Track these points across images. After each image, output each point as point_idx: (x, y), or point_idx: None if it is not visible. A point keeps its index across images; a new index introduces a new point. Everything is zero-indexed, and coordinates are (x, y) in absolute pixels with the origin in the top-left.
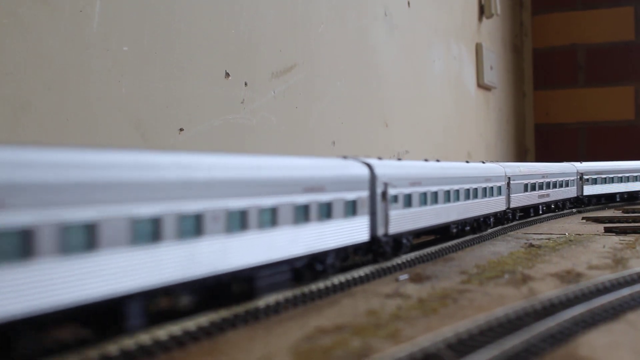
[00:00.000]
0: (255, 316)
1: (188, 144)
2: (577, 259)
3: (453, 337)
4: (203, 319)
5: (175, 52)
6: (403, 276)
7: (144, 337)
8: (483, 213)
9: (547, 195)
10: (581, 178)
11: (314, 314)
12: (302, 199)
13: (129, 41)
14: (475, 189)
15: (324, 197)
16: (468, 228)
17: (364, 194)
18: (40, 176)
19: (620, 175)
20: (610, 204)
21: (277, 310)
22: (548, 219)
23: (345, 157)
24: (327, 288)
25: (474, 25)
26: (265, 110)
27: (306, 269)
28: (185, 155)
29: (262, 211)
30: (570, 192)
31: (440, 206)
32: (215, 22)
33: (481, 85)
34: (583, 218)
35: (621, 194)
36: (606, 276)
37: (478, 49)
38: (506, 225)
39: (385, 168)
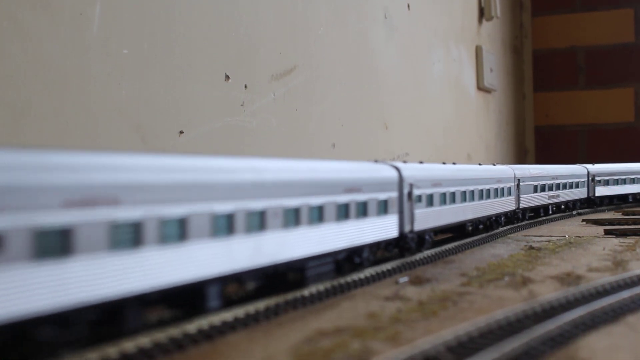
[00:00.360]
0: (255, 319)
1: (188, 147)
2: (577, 262)
3: (453, 340)
4: (203, 322)
5: (175, 55)
6: (403, 279)
7: (144, 340)
8: (495, 212)
9: (557, 196)
10: (593, 179)
11: (313, 316)
12: (343, 198)
13: (129, 44)
14: (488, 190)
15: (361, 197)
16: (481, 227)
17: (394, 194)
18: (146, 178)
19: (632, 176)
20: (623, 205)
21: (277, 313)
22: (548, 220)
23: (376, 161)
24: (327, 290)
25: (474, 28)
26: (265, 113)
27: (346, 261)
28: (256, 160)
29: (311, 209)
30: (581, 193)
31: (457, 205)
32: (215, 25)
33: (481, 87)
34: (583, 220)
35: (634, 194)
36: (606, 278)
37: (478, 51)
38: (515, 225)
39: (411, 170)
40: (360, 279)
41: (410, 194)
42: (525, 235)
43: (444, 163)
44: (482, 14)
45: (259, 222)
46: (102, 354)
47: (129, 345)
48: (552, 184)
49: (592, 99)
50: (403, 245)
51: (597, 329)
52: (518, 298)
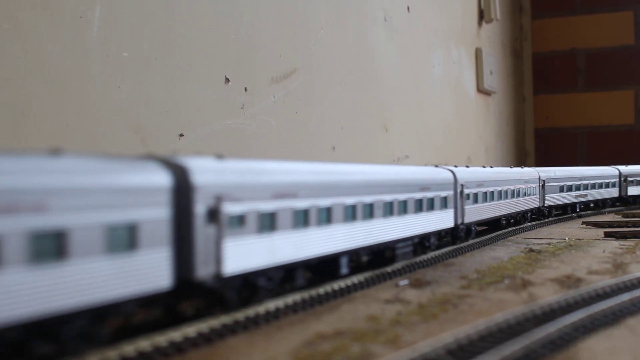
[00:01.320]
0: (254, 322)
1: (188, 149)
2: (577, 264)
3: (453, 343)
4: (203, 325)
5: (175, 57)
6: (403, 281)
7: (144, 344)
8: (523, 209)
9: (585, 195)
10: (625, 180)
11: (313, 319)
12: (419, 195)
13: (129, 46)
14: (518, 190)
15: (430, 195)
16: (512, 220)
17: (451, 192)
18: (314, 179)
19: None
20: None
21: (276, 316)
22: (548, 223)
23: (436, 166)
24: (327, 293)
25: (474, 30)
26: (265, 115)
27: (419, 245)
28: (362, 165)
29: (399, 203)
30: (612, 192)
31: (495, 203)
32: (215, 27)
33: (481, 90)
34: (583, 223)
35: None
36: (606, 281)
37: (478, 53)
38: (543, 221)
39: (462, 173)
40: (360, 282)
41: (462, 192)
42: (525, 238)
43: (483, 167)
44: (482, 16)
45: (369, 212)
46: (102, 357)
47: (129, 348)
48: (580, 184)
49: (592, 101)
50: (456, 235)
51: (597, 332)
52: (518, 301)
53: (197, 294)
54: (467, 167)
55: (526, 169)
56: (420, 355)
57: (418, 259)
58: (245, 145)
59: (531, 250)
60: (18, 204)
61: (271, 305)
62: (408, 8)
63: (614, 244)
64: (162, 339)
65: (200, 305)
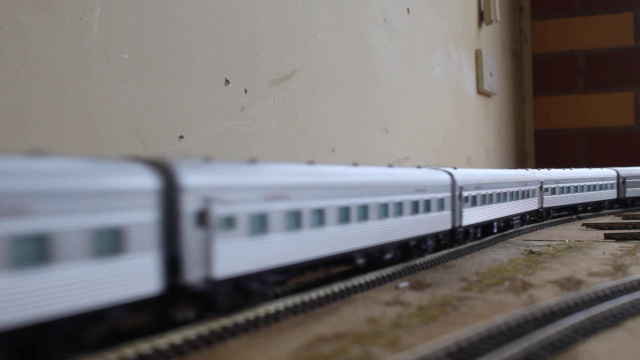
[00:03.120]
0: (255, 324)
1: (188, 151)
2: (577, 266)
3: (453, 345)
4: (203, 327)
5: (175, 59)
6: (403, 283)
7: (144, 346)
8: (522, 211)
9: (584, 197)
10: (624, 182)
11: (313, 321)
12: (415, 197)
13: (129, 48)
14: (517, 191)
15: (426, 196)
16: (511, 223)
17: (448, 194)
18: (353, 180)
19: None
20: None
21: (277, 318)
22: (548, 225)
23: (435, 168)
24: (327, 296)
25: (474, 31)
26: (265, 117)
27: (415, 247)
28: (357, 167)
29: (394, 204)
30: (611, 194)
31: (494, 205)
32: (215, 29)
33: (481, 91)
34: (583, 224)
35: None
36: (606, 283)
37: (478, 55)
38: (543, 223)
39: (460, 175)
40: (360, 284)
41: (460, 195)
42: (525, 240)
43: (483, 169)
44: (482, 17)
45: (363, 214)
46: (103, 359)
47: (129, 351)
48: (578, 186)
49: (592, 102)
50: (453, 237)
51: (597, 334)
52: (518, 303)
53: (187, 298)
54: (467, 169)
55: (525, 171)
56: (421, 357)
57: (418, 261)
58: (245, 147)
59: (531, 252)
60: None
61: (271, 307)
62: (408, 10)
63: (614, 246)
64: (162, 341)
65: (191, 310)
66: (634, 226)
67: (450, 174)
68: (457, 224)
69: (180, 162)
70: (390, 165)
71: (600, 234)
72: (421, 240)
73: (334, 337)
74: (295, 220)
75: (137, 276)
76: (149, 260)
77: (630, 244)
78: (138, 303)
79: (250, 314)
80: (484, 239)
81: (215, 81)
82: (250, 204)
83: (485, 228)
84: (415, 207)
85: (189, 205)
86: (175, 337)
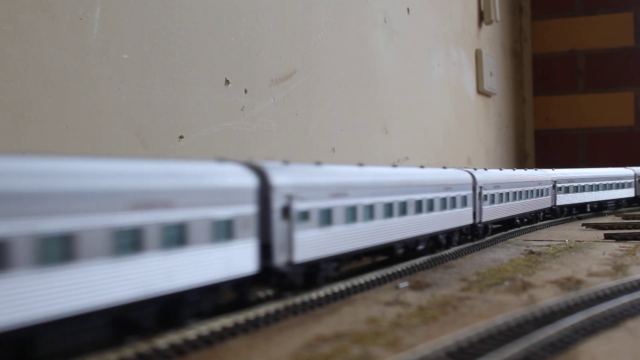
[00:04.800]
0: (255, 324)
1: (188, 151)
2: (577, 266)
3: (453, 345)
4: (203, 328)
5: (175, 59)
6: (403, 283)
7: (144, 346)
8: (536, 209)
9: (598, 195)
10: (553, 187)
11: (313, 322)
12: (443, 194)
13: (129, 48)
14: (532, 190)
15: (453, 194)
16: (526, 220)
17: (470, 192)
18: (334, 180)
19: None
20: None
21: (277, 319)
22: (548, 225)
23: (475, 170)
24: (327, 296)
25: (474, 31)
26: (265, 117)
27: (446, 239)
28: (395, 168)
29: (427, 201)
30: (629, 192)
31: (511, 203)
32: (215, 29)
33: (481, 91)
34: (583, 224)
35: None
36: (606, 283)
37: (478, 55)
38: (542, 223)
39: (480, 175)
40: (360, 284)
41: (480, 193)
42: (525, 240)
43: (500, 169)
44: (482, 17)
45: (429, 206)
46: (103, 359)
47: (129, 351)
48: (592, 185)
49: (592, 102)
50: (474, 232)
51: (597, 334)
52: (518, 303)
53: (273, 278)
54: (485, 169)
55: (539, 171)
56: (421, 357)
57: (418, 260)
58: (245, 147)
59: (531, 252)
60: (153, 202)
61: (271, 307)
62: (408, 10)
63: (614, 246)
64: (161, 341)
65: (272, 289)
66: (634, 226)
67: (472, 174)
68: (477, 220)
69: (269, 164)
70: (422, 166)
71: (600, 234)
72: (449, 233)
73: (334, 337)
74: (352, 214)
75: (243, 258)
76: (250, 245)
77: (630, 244)
78: (240, 280)
79: (250, 313)
80: (484, 239)
81: (215, 81)
82: (319, 201)
83: (506, 223)
84: (444, 204)
85: (277, 202)
86: (175, 337)
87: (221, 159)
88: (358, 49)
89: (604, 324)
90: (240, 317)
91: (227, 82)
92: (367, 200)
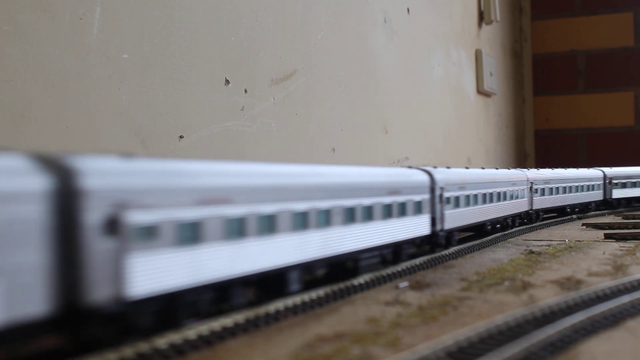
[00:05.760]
0: (255, 324)
1: (188, 151)
2: (577, 266)
3: (453, 345)
4: (203, 327)
5: (175, 59)
6: (403, 283)
7: (144, 346)
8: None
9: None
10: (610, 182)
11: (313, 321)
12: (387, 200)
13: (129, 48)
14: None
15: (401, 199)
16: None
17: (427, 196)
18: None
19: None
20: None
21: (277, 318)
22: (548, 225)
23: (410, 167)
24: (327, 296)
25: (474, 31)
26: (265, 117)
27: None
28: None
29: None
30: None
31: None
32: (215, 29)
33: (481, 91)
34: (583, 224)
35: None
36: (606, 283)
37: (478, 55)
38: (543, 223)
39: (441, 174)
40: (360, 284)
41: (441, 196)
42: (525, 240)
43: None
44: (482, 17)
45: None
46: (102, 359)
47: (129, 351)
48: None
49: (592, 103)
50: (435, 242)
51: (597, 334)
52: (518, 303)
53: (436, 240)
54: (448, 167)
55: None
56: (421, 357)
57: (418, 260)
58: (245, 147)
59: (531, 252)
60: (397, 190)
61: (271, 307)
62: (408, 10)
63: (614, 246)
64: (162, 341)
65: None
66: (634, 226)
67: (429, 173)
68: (438, 228)
69: (432, 168)
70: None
71: (600, 233)
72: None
73: (333, 337)
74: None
75: (425, 225)
76: (427, 218)
77: (630, 244)
78: (423, 237)
79: (250, 313)
80: (484, 239)
81: (215, 81)
82: (454, 191)
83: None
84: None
85: (438, 192)
86: (175, 337)
87: (410, 167)
88: (358, 49)
89: (604, 324)
90: (240, 317)
91: (227, 82)
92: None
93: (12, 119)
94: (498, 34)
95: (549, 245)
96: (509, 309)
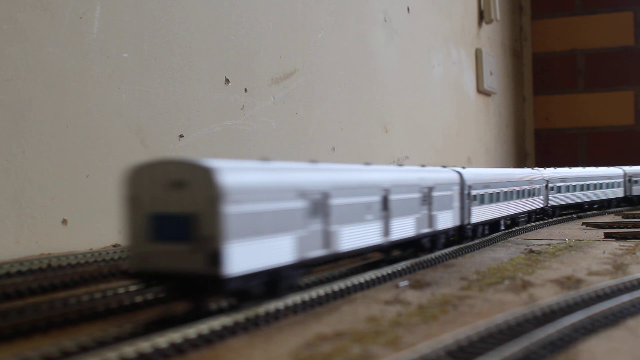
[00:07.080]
0: (255, 323)
1: (188, 150)
2: (577, 265)
3: (453, 344)
4: (203, 326)
5: (175, 59)
6: (403, 282)
7: (144, 345)
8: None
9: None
10: (630, 180)
11: (313, 320)
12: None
13: (129, 47)
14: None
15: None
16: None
17: (457, 192)
18: (486, 176)
19: None
20: None
21: (277, 317)
22: (548, 224)
23: (444, 167)
24: (327, 295)
25: (474, 31)
26: (265, 116)
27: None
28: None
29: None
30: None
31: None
32: (215, 29)
33: (481, 90)
34: (583, 224)
35: None
36: (606, 282)
37: (478, 54)
38: (543, 222)
39: (469, 174)
40: (360, 283)
41: (469, 193)
42: (525, 239)
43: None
44: (482, 16)
45: (507, 196)
46: (102, 358)
47: (129, 349)
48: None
49: (592, 102)
50: (463, 234)
51: (597, 333)
52: (518, 302)
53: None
54: (467, 168)
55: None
56: (420, 356)
57: (418, 259)
58: (245, 146)
59: (531, 251)
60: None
61: (271, 306)
62: (408, 9)
63: (614, 245)
64: (161, 339)
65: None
66: (634, 225)
67: (459, 173)
68: (465, 222)
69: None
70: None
71: (600, 233)
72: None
73: (334, 336)
74: (489, 198)
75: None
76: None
77: (630, 243)
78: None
79: (250, 312)
80: (484, 239)
81: (215, 80)
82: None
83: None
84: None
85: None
86: (175, 335)
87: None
88: (358, 48)
89: (604, 323)
90: (240, 316)
91: (227, 81)
92: (500, 189)
93: (12, 118)
94: (498, 33)
95: (549, 245)
96: (509, 308)
